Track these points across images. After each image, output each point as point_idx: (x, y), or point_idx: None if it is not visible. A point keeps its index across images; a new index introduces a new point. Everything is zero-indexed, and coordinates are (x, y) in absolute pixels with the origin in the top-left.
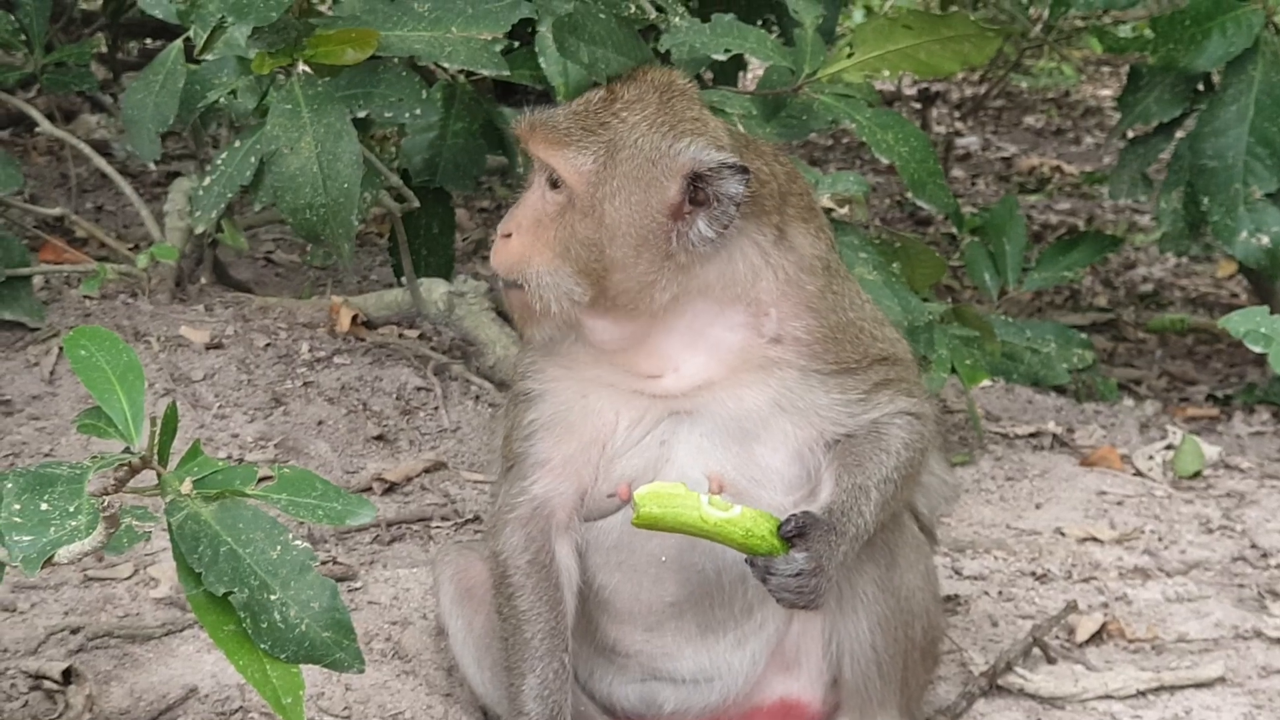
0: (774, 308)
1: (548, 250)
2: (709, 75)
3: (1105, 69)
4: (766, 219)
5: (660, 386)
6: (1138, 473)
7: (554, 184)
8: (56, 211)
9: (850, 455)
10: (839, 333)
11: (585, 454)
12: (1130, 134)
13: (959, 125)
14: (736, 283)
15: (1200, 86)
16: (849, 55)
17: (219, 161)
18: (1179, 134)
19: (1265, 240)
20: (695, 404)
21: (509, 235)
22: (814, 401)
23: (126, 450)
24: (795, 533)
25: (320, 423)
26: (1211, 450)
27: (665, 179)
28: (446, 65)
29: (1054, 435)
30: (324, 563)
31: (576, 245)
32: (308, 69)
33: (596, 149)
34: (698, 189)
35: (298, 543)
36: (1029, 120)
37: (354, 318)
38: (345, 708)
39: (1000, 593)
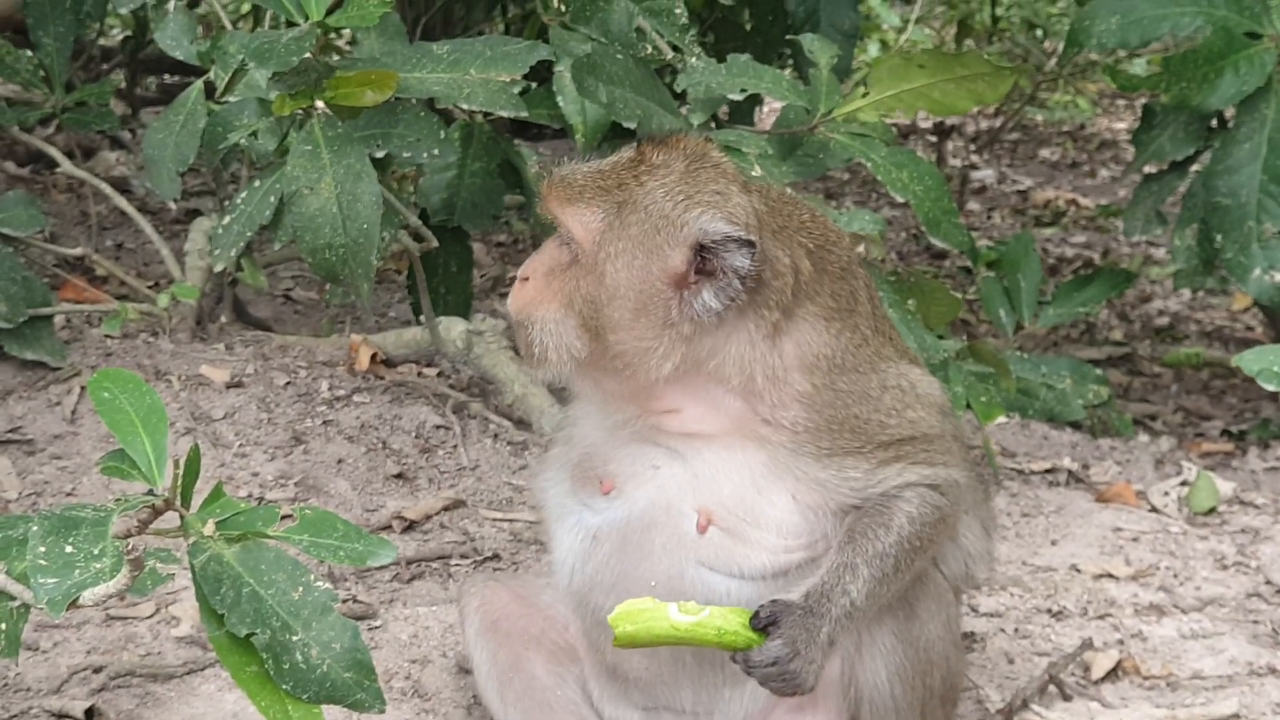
0: (767, 393)
1: (555, 300)
2: (725, 114)
3: (1120, 102)
4: (766, 312)
5: (661, 420)
6: (1153, 509)
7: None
8: (77, 251)
9: (848, 531)
10: (835, 425)
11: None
12: (1145, 170)
13: (974, 158)
14: (728, 364)
15: (1214, 123)
16: (864, 95)
17: (239, 201)
18: (1194, 169)
19: (1279, 277)
20: (692, 446)
21: (526, 279)
22: (812, 473)
23: (150, 492)
24: (768, 622)
25: (340, 461)
26: (1226, 486)
27: (669, 247)
28: (465, 106)
29: (1069, 471)
30: (344, 601)
31: (579, 300)
32: (328, 110)
33: (607, 208)
34: (705, 260)
35: (319, 584)
36: (1044, 153)
37: (373, 356)
38: None
39: (1016, 630)
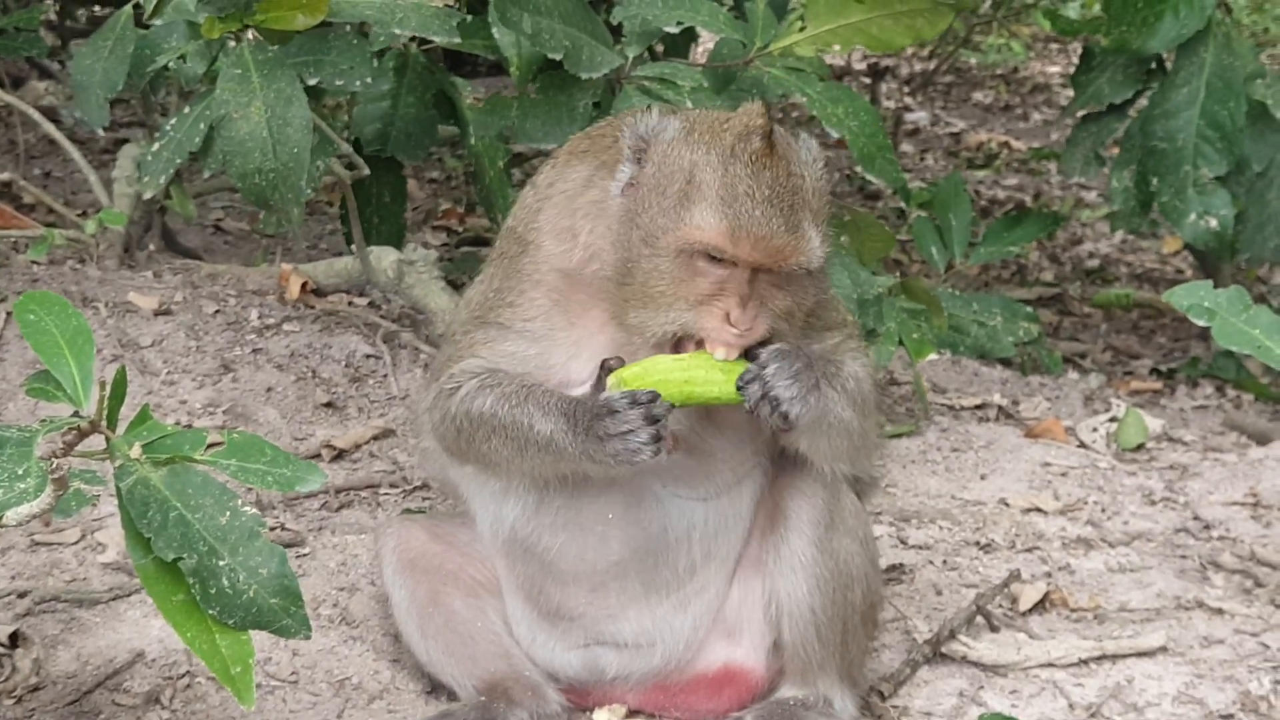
0: None
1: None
2: (660, 48)
3: (1054, 46)
4: None
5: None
6: (1081, 445)
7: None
8: (4, 177)
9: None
10: (827, 296)
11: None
12: (1082, 112)
13: (908, 100)
14: None
15: (1153, 66)
16: (800, 29)
17: (168, 127)
18: (1131, 112)
19: (1214, 223)
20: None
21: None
22: None
23: (75, 414)
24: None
25: (269, 389)
26: (1154, 423)
27: None
28: (398, 32)
29: (999, 407)
30: (272, 529)
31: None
32: (258, 34)
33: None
34: None
35: (247, 509)
36: (978, 96)
37: (304, 285)
38: (292, 673)
39: (945, 562)
